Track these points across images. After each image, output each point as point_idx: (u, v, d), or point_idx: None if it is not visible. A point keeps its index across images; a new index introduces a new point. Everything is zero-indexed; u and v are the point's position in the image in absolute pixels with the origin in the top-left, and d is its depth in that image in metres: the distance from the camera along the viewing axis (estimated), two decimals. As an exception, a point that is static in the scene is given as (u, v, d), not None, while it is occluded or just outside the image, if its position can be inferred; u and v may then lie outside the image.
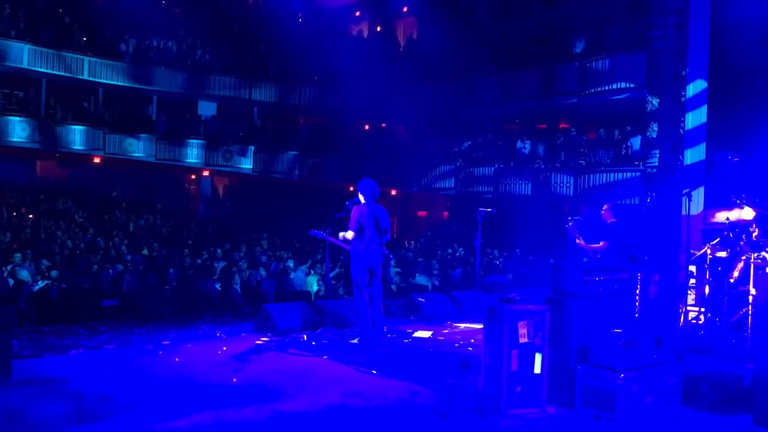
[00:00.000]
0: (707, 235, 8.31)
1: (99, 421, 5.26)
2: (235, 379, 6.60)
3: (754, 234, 7.13)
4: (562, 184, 18.37)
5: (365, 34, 27.56)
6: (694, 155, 13.47)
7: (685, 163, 13.50)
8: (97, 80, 23.52)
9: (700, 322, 7.61)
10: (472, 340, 8.65)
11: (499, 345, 5.78)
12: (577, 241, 8.95)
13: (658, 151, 14.98)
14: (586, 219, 13.90)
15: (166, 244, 17.12)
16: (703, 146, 13.41)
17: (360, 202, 8.31)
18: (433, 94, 22.80)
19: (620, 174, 16.87)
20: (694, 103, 13.86)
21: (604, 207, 9.47)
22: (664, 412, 5.82)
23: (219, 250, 15.39)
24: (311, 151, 25.25)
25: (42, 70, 22.24)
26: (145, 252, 15.41)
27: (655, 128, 14.91)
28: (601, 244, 8.63)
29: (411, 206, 27.65)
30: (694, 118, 13.81)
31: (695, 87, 13.91)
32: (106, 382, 6.41)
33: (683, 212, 11.30)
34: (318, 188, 25.89)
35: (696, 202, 12.04)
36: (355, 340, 8.19)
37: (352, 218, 8.14)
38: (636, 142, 16.56)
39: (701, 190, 12.50)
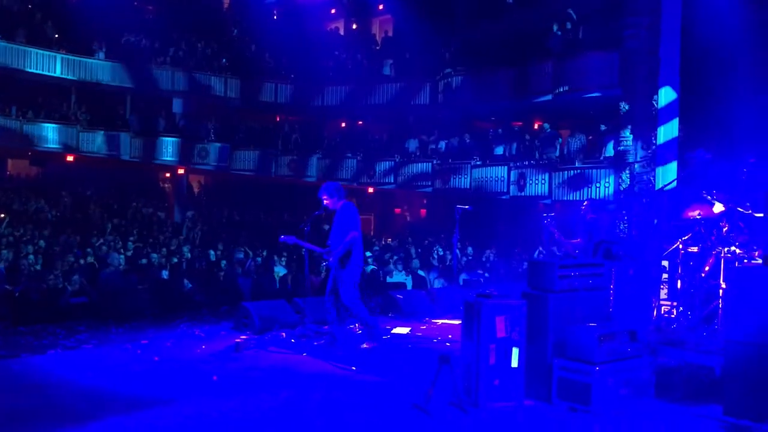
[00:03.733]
0: (679, 230, 8.47)
1: (78, 419, 5.25)
2: (215, 377, 6.62)
3: (724, 229, 7.31)
4: (537, 182, 18.55)
5: (341, 31, 27.57)
6: (666, 153, 13.72)
7: (657, 161, 13.75)
8: (69, 78, 23.26)
9: (673, 315, 7.77)
10: (450, 336, 8.75)
11: (477, 339, 5.86)
12: (557, 237, 9.12)
13: (631, 149, 15.22)
14: (565, 215, 14.11)
15: (141, 243, 17.01)
16: (675, 144, 13.67)
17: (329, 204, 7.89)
18: (409, 92, 22.90)
19: (594, 171, 17.09)
20: (666, 101, 14.10)
21: (584, 203, 9.64)
22: (638, 404, 5.95)
23: (197, 249, 15.32)
24: (287, 148, 25.22)
25: (14, 67, 21.93)
26: (121, 251, 15.30)
27: (628, 127, 15.15)
28: (579, 239, 8.80)
29: (388, 204, 27.75)
30: (667, 117, 14.06)
31: (667, 85, 14.17)
32: (85, 380, 6.40)
33: (656, 209, 11.52)
34: (294, 186, 25.88)
35: (668, 198, 12.26)
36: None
37: (350, 219, 7.69)
38: (609, 144, 16.77)
39: (674, 186, 12.74)
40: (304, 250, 8.74)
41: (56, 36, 23.59)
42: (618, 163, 15.72)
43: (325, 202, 7.91)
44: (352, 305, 7.67)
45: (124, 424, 5.18)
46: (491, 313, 5.89)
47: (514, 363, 5.96)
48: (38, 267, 12.92)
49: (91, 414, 5.36)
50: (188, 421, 5.29)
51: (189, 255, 14.89)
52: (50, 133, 23.07)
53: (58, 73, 22.98)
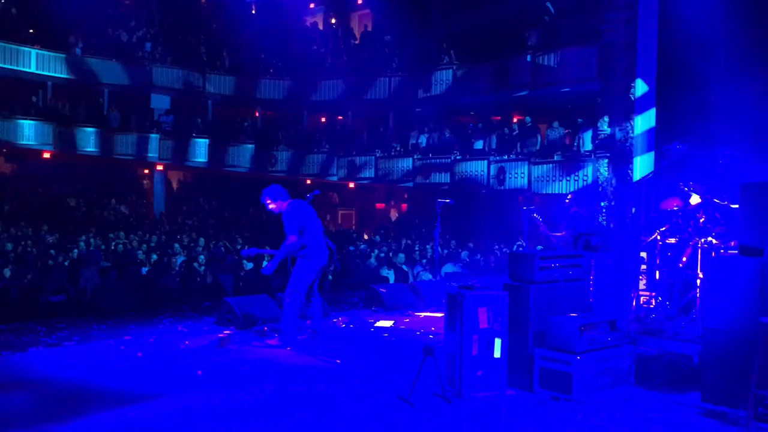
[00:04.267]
0: (657, 222, 8.60)
1: (62, 415, 5.24)
2: (200, 372, 6.63)
3: (701, 220, 7.43)
4: (516, 175, 18.70)
5: (320, 26, 27.51)
6: (643, 145, 13.90)
7: (634, 153, 13.92)
8: (45, 74, 22.98)
9: (652, 305, 7.89)
10: (433, 328, 8.83)
11: (460, 331, 5.93)
12: (541, 229, 9.22)
13: (609, 142, 15.40)
14: (546, 207, 14.22)
15: (121, 240, 16.90)
16: (652, 136, 13.84)
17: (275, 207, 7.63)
18: (388, 86, 22.93)
19: (573, 164, 17.26)
20: (643, 94, 14.27)
21: (568, 197, 9.75)
22: (619, 392, 6.05)
23: (177, 245, 15.26)
24: (266, 144, 25.15)
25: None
26: (102, 248, 15.19)
27: (606, 119, 15.31)
28: (563, 232, 8.91)
29: (369, 199, 27.79)
30: (643, 109, 14.23)
31: (645, 78, 14.33)
32: (68, 377, 6.38)
33: (637, 200, 11.66)
34: (275, 181, 25.80)
35: (648, 189, 12.42)
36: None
37: (288, 223, 7.38)
38: (587, 134, 16.94)
39: (651, 178, 12.90)
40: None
41: (31, 31, 23.28)
42: (595, 156, 15.93)
43: (269, 207, 7.58)
44: (289, 301, 7.45)
45: (109, 420, 5.17)
46: (473, 304, 5.96)
47: (497, 353, 6.04)
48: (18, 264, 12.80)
49: (76, 410, 5.34)
50: (174, 416, 5.30)
51: (169, 251, 14.81)
52: (26, 130, 22.79)
53: (33, 69, 22.69)
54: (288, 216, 7.42)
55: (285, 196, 7.62)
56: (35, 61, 22.78)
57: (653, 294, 7.82)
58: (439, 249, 10.86)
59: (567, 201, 8.84)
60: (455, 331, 6.01)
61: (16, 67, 22.35)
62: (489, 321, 6.01)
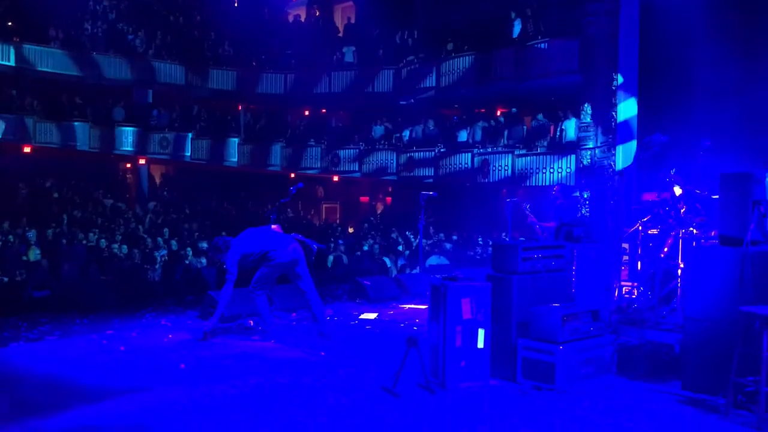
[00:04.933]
0: (639, 213, 8.66)
1: (43, 410, 5.20)
2: (183, 365, 6.60)
3: (682, 211, 7.50)
4: (500, 168, 18.74)
5: (303, 18, 27.37)
6: (625, 137, 13.99)
7: (617, 144, 14.00)
8: (25, 66, 22.69)
9: (634, 296, 7.96)
10: (417, 320, 8.85)
11: (444, 322, 5.95)
12: (530, 219, 9.27)
13: (591, 133, 15.49)
14: (531, 199, 14.23)
15: (103, 234, 16.77)
16: (634, 128, 13.93)
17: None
18: (372, 79, 22.89)
19: (556, 156, 17.32)
20: (625, 86, 14.36)
21: (555, 188, 9.79)
22: (601, 381, 6.11)
23: (160, 239, 15.17)
24: (250, 137, 25.02)
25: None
26: (84, 242, 15.07)
27: (589, 111, 15.40)
28: (551, 223, 8.97)
29: (353, 192, 27.76)
30: (625, 100, 14.31)
31: (626, 70, 14.41)
32: (49, 371, 6.33)
33: (619, 191, 11.72)
34: (258, 175, 25.71)
35: (630, 180, 12.49)
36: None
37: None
38: (570, 126, 17.01)
39: (633, 169, 12.98)
40: None
41: (9, 24, 22.97)
42: (579, 139, 15.98)
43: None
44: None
45: (90, 414, 5.14)
46: (457, 295, 5.98)
47: (480, 344, 6.06)
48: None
49: (57, 404, 5.31)
50: (155, 410, 5.28)
51: (151, 245, 14.72)
52: (6, 124, 22.49)
53: (12, 62, 22.38)
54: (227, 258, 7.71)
55: (227, 245, 7.77)
56: (14, 55, 22.47)
57: (635, 284, 7.88)
58: (424, 241, 10.88)
59: (554, 192, 8.87)
60: (439, 322, 6.03)
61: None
62: (472, 312, 6.04)
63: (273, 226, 7.98)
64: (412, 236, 17.04)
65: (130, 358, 6.89)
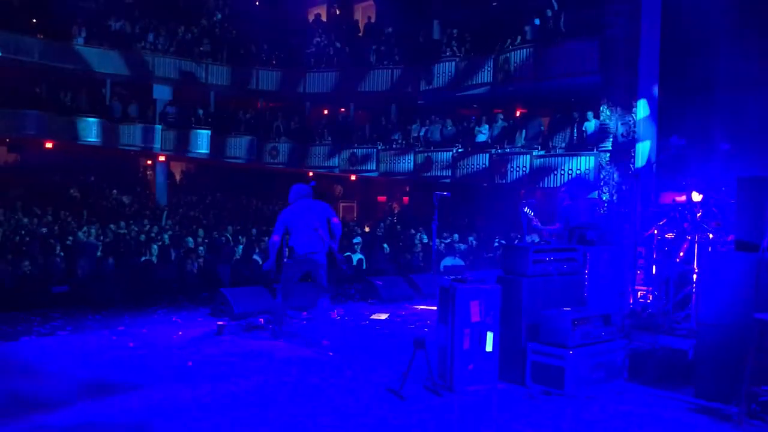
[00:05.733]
0: (655, 216, 8.52)
1: (48, 405, 5.21)
2: (190, 362, 6.60)
3: (698, 215, 7.35)
4: (518, 168, 18.60)
5: (323, 17, 27.38)
6: (645, 138, 13.82)
7: (636, 147, 13.83)
8: (48, 63, 22.91)
9: (648, 300, 7.82)
10: (428, 321, 8.78)
11: (452, 324, 5.89)
12: (534, 222, 9.13)
13: (611, 135, 15.31)
14: (542, 201, 14.12)
15: (121, 230, 16.88)
16: (653, 130, 13.75)
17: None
18: (391, 78, 22.84)
19: (575, 157, 17.14)
20: (645, 87, 14.18)
21: (562, 190, 9.67)
22: (612, 387, 6.01)
23: (176, 236, 15.23)
24: (268, 135, 25.08)
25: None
26: (101, 238, 15.17)
27: (608, 112, 15.23)
28: (557, 225, 8.83)
29: (371, 191, 27.72)
30: (645, 103, 14.14)
31: (646, 71, 14.24)
32: (57, 366, 6.36)
33: (635, 194, 11.55)
34: (275, 173, 25.77)
35: (647, 183, 12.32)
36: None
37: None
38: (590, 127, 16.84)
39: (652, 171, 12.82)
40: None
41: (34, 20, 23.22)
42: (598, 141, 15.81)
43: None
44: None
45: (94, 411, 5.14)
46: (465, 297, 5.91)
47: (489, 347, 5.99)
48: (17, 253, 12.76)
49: (62, 400, 5.32)
50: (159, 406, 5.27)
51: (168, 242, 14.78)
52: (28, 120, 22.75)
53: (36, 59, 22.63)
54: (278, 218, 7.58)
55: (293, 197, 7.65)
56: (38, 51, 22.70)
57: (649, 289, 7.75)
58: (437, 242, 10.77)
59: (561, 194, 8.76)
60: (447, 324, 5.96)
61: (18, 57, 22.27)
62: (481, 314, 5.97)
63: None
64: (425, 236, 16.96)
65: (138, 354, 6.91)
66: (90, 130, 23.74)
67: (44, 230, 15.14)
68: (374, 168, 22.91)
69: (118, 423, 4.91)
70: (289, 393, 5.70)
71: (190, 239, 14.66)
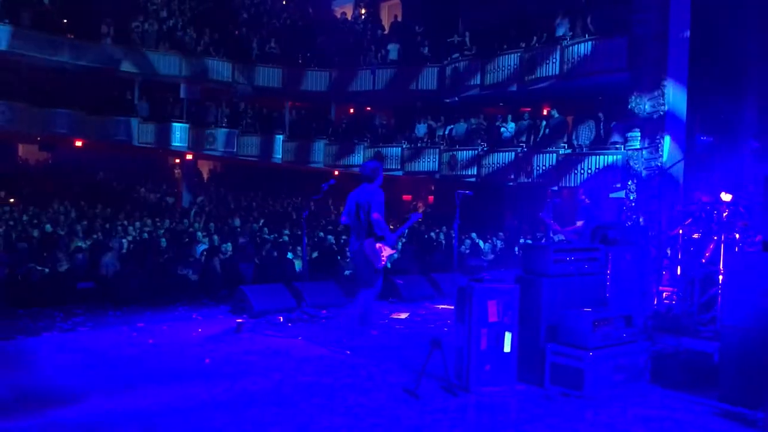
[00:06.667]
0: (682, 215, 8.35)
1: (63, 401, 5.23)
2: (208, 360, 6.60)
3: (725, 214, 7.18)
4: (544, 167, 18.39)
5: (349, 16, 27.39)
6: (673, 137, 13.56)
7: (664, 145, 13.59)
8: (78, 62, 23.22)
9: (672, 302, 7.66)
10: (448, 321, 8.69)
11: (469, 324, 5.81)
12: (553, 227, 9.02)
13: (639, 134, 15.07)
14: (563, 202, 13.96)
15: (147, 228, 17.04)
16: (682, 128, 13.50)
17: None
18: (416, 77, 22.76)
19: (602, 157, 16.90)
20: (674, 86, 13.93)
21: (581, 190, 9.53)
22: (633, 390, 5.88)
23: (199, 234, 15.33)
24: (295, 134, 25.14)
25: (22, 52, 21.92)
26: (124, 235, 15.32)
27: (636, 111, 14.98)
28: (578, 224, 8.70)
29: (396, 190, 27.65)
30: (674, 101, 13.87)
31: (675, 70, 13.98)
32: (76, 362, 6.40)
33: (660, 193, 11.35)
34: (302, 172, 25.83)
35: (674, 182, 12.09)
36: None
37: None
38: (617, 126, 16.58)
39: (680, 171, 12.58)
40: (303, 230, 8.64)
41: (64, 21, 23.54)
42: (626, 140, 15.54)
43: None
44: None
45: (108, 407, 5.14)
46: (483, 297, 5.83)
47: (507, 348, 5.90)
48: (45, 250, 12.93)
49: (77, 396, 5.34)
50: (174, 403, 5.27)
51: (193, 239, 14.86)
52: (60, 118, 23.08)
53: (66, 59, 22.94)
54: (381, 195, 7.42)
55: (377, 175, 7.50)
56: (68, 51, 23.02)
57: (674, 290, 7.59)
58: (458, 241, 10.68)
59: (580, 194, 8.62)
60: (464, 324, 5.88)
61: (50, 57, 22.60)
62: (499, 314, 5.88)
63: None
64: (442, 235, 16.86)
65: (157, 351, 6.93)
66: (119, 128, 24.03)
67: (78, 227, 15.33)
68: (399, 167, 22.84)
69: (131, 419, 4.90)
70: (304, 392, 5.66)
71: (216, 237, 14.74)
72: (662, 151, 13.17)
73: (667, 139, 13.17)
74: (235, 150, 25.11)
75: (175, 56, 24.46)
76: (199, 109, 25.20)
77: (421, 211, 25.35)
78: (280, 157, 25.04)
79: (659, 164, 13.24)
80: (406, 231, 7.94)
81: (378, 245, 7.31)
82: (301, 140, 24.79)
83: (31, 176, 25.29)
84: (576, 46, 17.71)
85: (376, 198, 7.32)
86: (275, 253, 13.11)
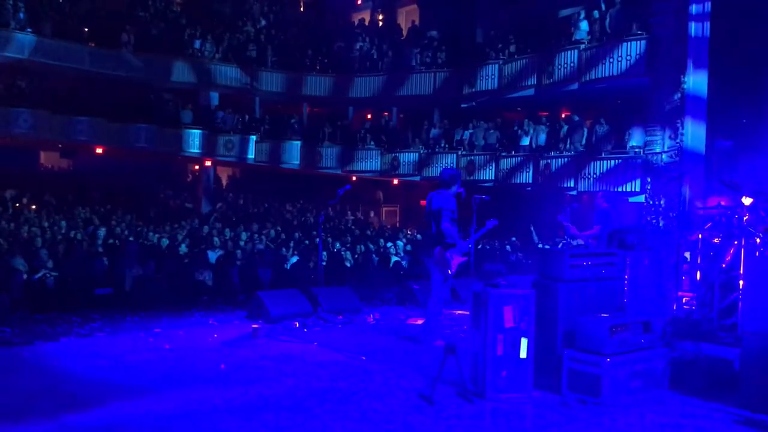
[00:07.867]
0: (702, 219, 8.24)
1: (80, 405, 5.26)
2: (223, 365, 6.61)
3: (745, 218, 7.06)
4: (562, 172, 18.26)
5: (367, 22, 27.44)
6: (693, 141, 13.42)
7: (684, 149, 13.44)
8: (98, 70, 23.46)
9: (692, 307, 7.55)
10: (465, 326, 8.63)
11: (484, 329, 5.76)
12: (571, 230, 8.94)
13: (658, 138, 14.93)
14: (581, 206, 13.84)
15: (165, 234, 17.13)
16: (702, 132, 13.35)
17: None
18: (433, 82, 22.73)
19: (621, 161, 16.73)
20: (694, 89, 13.80)
21: (599, 194, 9.45)
22: (651, 396, 5.79)
23: (216, 239, 15.38)
24: (313, 140, 25.19)
25: (44, 60, 22.18)
26: (144, 241, 15.42)
27: (656, 115, 14.83)
28: (595, 229, 8.62)
29: (413, 195, 27.61)
30: (694, 104, 13.73)
31: (695, 73, 13.85)
32: (93, 367, 6.43)
33: (681, 197, 11.22)
34: (320, 177, 25.86)
35: (694, 187, 11.95)
36: None
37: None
38: (636, 130, 16.42)
39: (700, 174, 12.43)
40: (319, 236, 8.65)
41: (86, 29, 23.80)
42: (645, 143, 15.39)
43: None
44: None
45: (123, 412, 5.16)
46: (499, 302, 5.78)
47: (523, 354, 5.83)
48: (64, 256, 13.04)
49: (93, 401, 5.36)
50: (188, 408, 5.27)
51: (210, 245, 14.91)
52: (81, 126, 23.31)
53: (87, 67, 23.17)
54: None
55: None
56: (89, 59, 23.26)
57: (693, 295, 7.48)
58: (477, 247, 10.61)
59: (598, 199, 8.53)
60: (480, 330, 5.84)
61: (70, 65, 22.84)
62: (515, 320, 5.82)
63: None
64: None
65: (173, 356, 6.95)
66: (139, 135, 24.21)
67: (100, 233, 15.45)
68: (416, 172, 22.80)
69: (145, 424, 4.92)
70: (318, 397, 5.64)
71: (231, 243, 14.78)
72: (682, 155, 13.02)
73: (687, 142, 13.03)
74: (251, 156, 25.22)
75: (193, 63, 24.63)
76: (218, 115, 25.32)
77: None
78: (297, 162, 25.10)
79: (679, 168, 13.08)
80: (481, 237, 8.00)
81: (448, 253, 7.32)
82: (317, 146, 24.81)
83: (53, 183, 25.53)
84: (595, 49, 17.51)
85: (448, 205, 7.43)
86: (294, 259, 13.14)
